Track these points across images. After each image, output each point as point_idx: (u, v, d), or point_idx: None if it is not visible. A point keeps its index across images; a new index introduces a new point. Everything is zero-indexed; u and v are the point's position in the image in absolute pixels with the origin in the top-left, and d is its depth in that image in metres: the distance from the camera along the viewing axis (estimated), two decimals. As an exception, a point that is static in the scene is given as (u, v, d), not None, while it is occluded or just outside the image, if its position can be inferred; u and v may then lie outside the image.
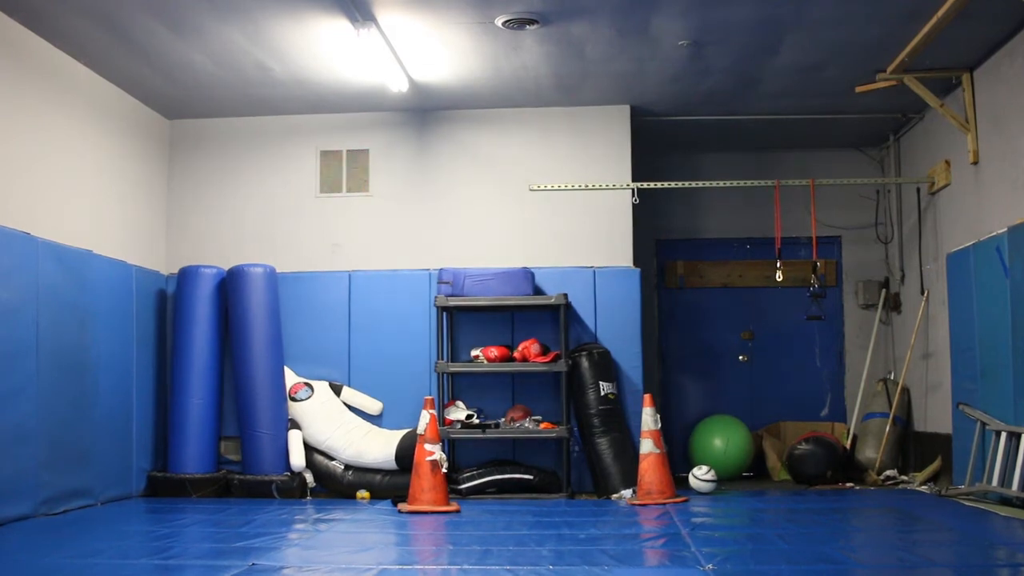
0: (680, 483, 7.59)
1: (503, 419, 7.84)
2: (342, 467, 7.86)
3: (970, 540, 5.33)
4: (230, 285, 8.00)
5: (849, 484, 8.17)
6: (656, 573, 4.55)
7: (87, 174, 7.37)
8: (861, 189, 9.49)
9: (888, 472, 8.39)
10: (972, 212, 7.58)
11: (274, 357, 7.92)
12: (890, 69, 7.38)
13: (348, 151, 8.61)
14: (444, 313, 8.00)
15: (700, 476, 7.69)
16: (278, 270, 8.21)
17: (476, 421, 7.78)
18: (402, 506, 6.80)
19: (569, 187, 8.38)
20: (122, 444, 7.51)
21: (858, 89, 7.75)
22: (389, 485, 7.70)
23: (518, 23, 6.56)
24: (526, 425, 7.75)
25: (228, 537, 5.51)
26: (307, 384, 8.07)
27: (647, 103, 8.40)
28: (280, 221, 8.57)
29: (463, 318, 8.26)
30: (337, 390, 8.16)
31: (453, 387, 8.17)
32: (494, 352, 7.88)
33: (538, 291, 8.09)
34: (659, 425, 7.16)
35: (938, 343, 8.25)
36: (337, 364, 8.27)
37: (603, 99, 8.30)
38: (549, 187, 8.38)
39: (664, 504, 6.87)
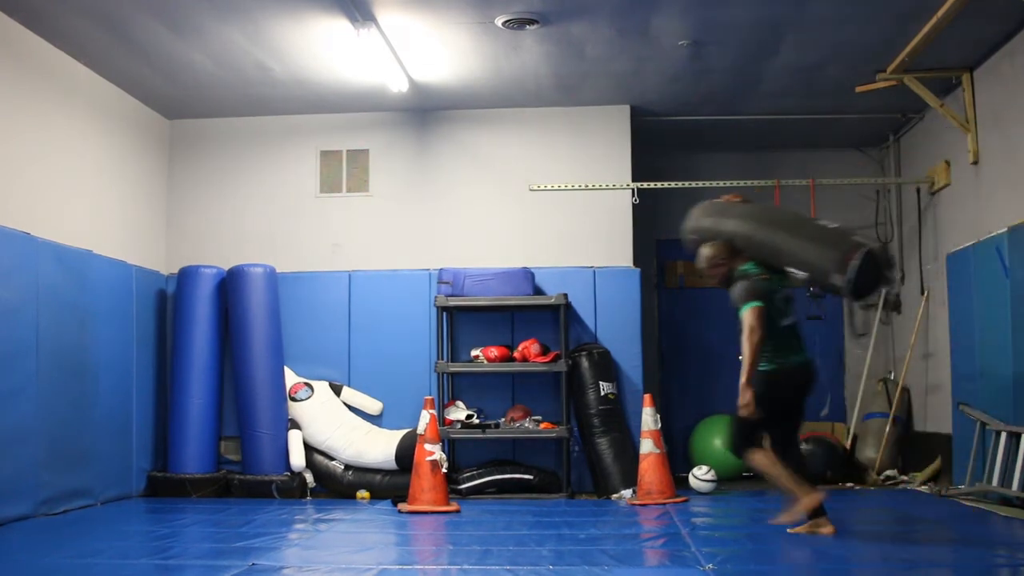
0: (680, 483, 7.59)
1: (503, 419, 7.84)
2: (342, 467, 7.86)
3: (970, 540, 5.33)
4: (230, 285, 8.00)
5: (849, 484, 8.17)
6: (656, 573, 4.56)
7: (87, 174, 7.37)
8: (861, 189, 9.48)
9: (888, 472, 8.39)
10: (972, 212, 7.58)
11: (274, 357, 7.92)
12: (890, 69, 7.38)
13: (348, 151, 8.60)
14: (444, 313, 8.00)
15: (700, 476, 7.69)
16: (278, 270, 8.21)
17: (476, 421, 7.78)
18: (402, 506, 6.80)
19: (569, 187, 8.38)
20: (122, 444, 7.50)
21: (858, 89, 7.75)
22: (389, 485, 7.70)
23: (518, 23, 6.56)
24: (526, 425, 7.75)
25: (228, 537, 5.51)
26: (307, 384, 8.07)
27: (647, 103, 8.40)
28: (280, 221, 8.57)
29: (463, 318, 8.26)
30: (337, 390, 8.16)
31: (453, 387, 8.17)
32: (494, 352, 7.88)
33: (538, 291, 8.09)
34: (659, 425, 7.16)
35: (938, 343, 8.25)
36: (337, 364, 8.27)
37: (603, 99, 8.30)
38: (549, 187, 8.38)
39: (664, 504, 6.87)
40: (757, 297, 5.28)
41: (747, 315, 5.23)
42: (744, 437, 5.37)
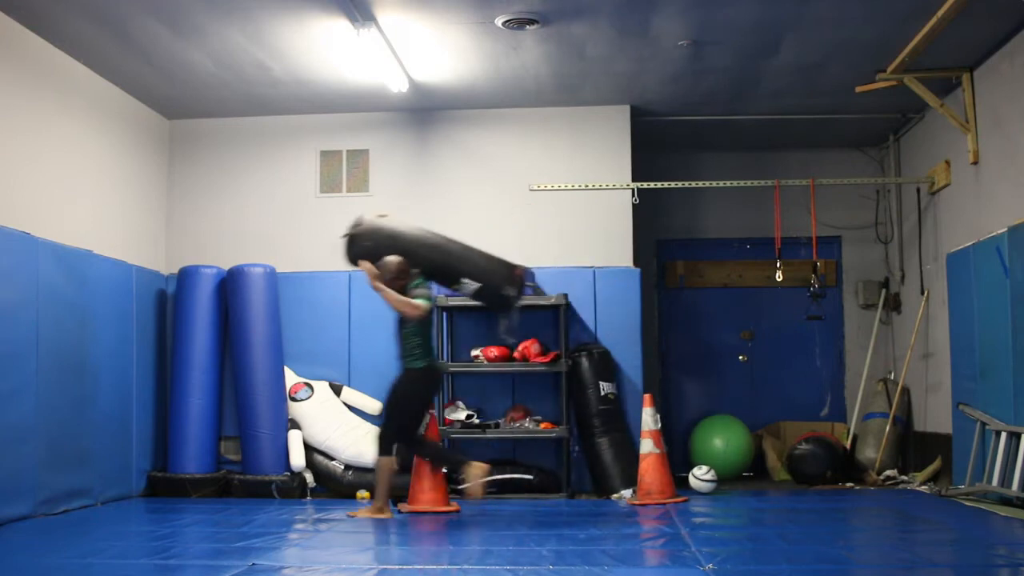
0: (680, 483, 7.59)
1: (503, 419, 7.84)
2: (342, 467, 7.86)
3: (970, 540, 5.33)
4: (230, 285, 8.00)
5: (849, 484, 8.17)
6: (656, 573, 4.56)
7: (87, 174, 7.37)
8: (861, 189, 9.49)
9: (888, 472, 8.39)
10: (972, 212, 7.58)
11: (274, 357, 7.92)
12: (890, 69, 7.38)
13: (348, 151, 8.61)
14: (444, 313, 8.00)
15: (700, 476, 7.69)
16: (278, 270, 8.21)
17: (476, 421, 7.78)
18: (402, 506, 6.80)
19: (569, 187, 8.38)
20: (122, 444, 7.50)
21: (858, 89, 7.75)
22: (389, 485, 7.69)
23: (518, 23, 6.56)
24: (526, 425, 7.75)
25: (228, 537, 5.51)
26: (307, 384, 8.07)
27: (647, 103, 8.40)
28: (280, 221, 8.56)
29: (463, 318, 8.25)
30: (337, 390, 8.16)
31: (453, 387, 8.17)
32: (494, 352, 7.88)
33: (538, 291, 8.09)
34: (659, 425, 7.16)
35: (938, 343, 8.25)
36: (337, 364, 8.27)
37: (603, 99, 8.30)
38: (549, 187, 8.38)
39: (664, 504, 6.87)
40: (428, 300, 6.34)
41: (422, 304, 6.26)
42: (411, 433, 6.43)
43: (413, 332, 6.33)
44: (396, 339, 6.46)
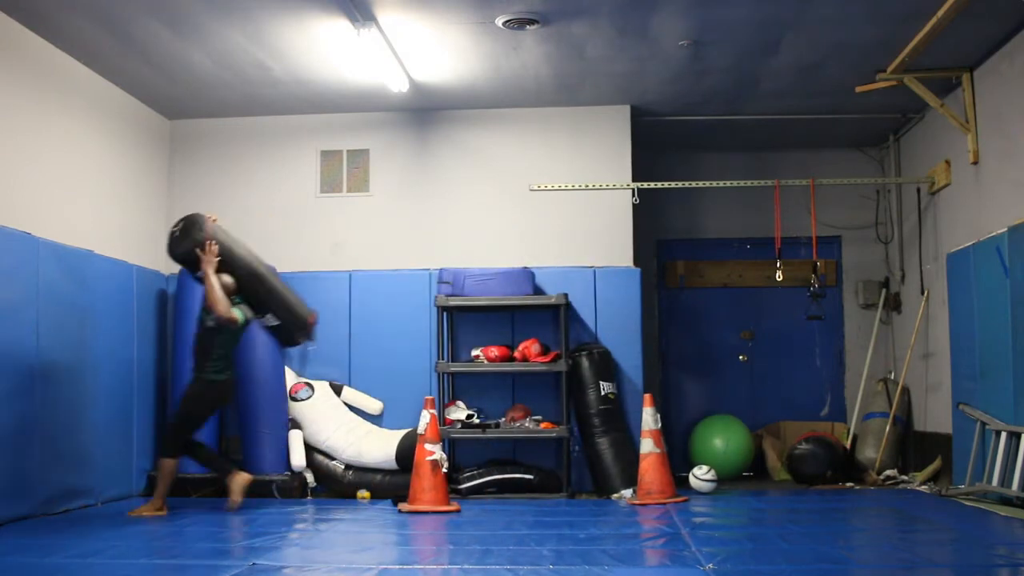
0: (680, 483, 7.59)
1: (503, 419, 7.85)
2: (342, 467, 7.86)
3: (970, 540, 5.33)
4: (230, 285, 7.99)
5: (849, 484, 8.17)
6: (656, 573, 4.56)
7: (87, 174, 7.37)
8: (861, 189, 9.49)
9: (888, 472, 8.39)
10: (972, 212, 7.58)
11: (274, 357, 7.91)
12: (890, 69, 7.38)
13: (348, 151, 8.61)
14: (444, 313, 8.00)
15: (700, 476, 7.69)
16: (278, 270, 8.17)
17: (476, 421, 7.79)
18: (402, 506, 6.80)
19: (569, 187, 8.39)
20: (122, 444, 7.50)
21: (858, 89, 7.75)
22: (389, 485, 7.70)
23: (518, 23, 6.56)
24: (526, 425, 7.75)
25: (228, 537, 5.51)
26: (307, 384, 8.07)
27: (647, 103, 8.40)
28: (280, 221, 8.56)
29: (463, 318, 8.26)
30: (337, 390, 8.16)
31: (453, 387, 8.17)
32: (494, 352, 7.88)
33: (538, 291, 8.09)
34: (659, 425, 7.16)
35: (938, 343, 8.25)
36: (337, 364, 8.27)
37: (603, 99, 8.30)
38: (549, 187, 8.39)
39: (664, 504, 6.88)
40: (245, 316, 6.54)
41: (236, 314, 6.44)
42: (183, 438, 6.59)
43: (222, 344, 6.49)
44: (197, 347, 6.55)
